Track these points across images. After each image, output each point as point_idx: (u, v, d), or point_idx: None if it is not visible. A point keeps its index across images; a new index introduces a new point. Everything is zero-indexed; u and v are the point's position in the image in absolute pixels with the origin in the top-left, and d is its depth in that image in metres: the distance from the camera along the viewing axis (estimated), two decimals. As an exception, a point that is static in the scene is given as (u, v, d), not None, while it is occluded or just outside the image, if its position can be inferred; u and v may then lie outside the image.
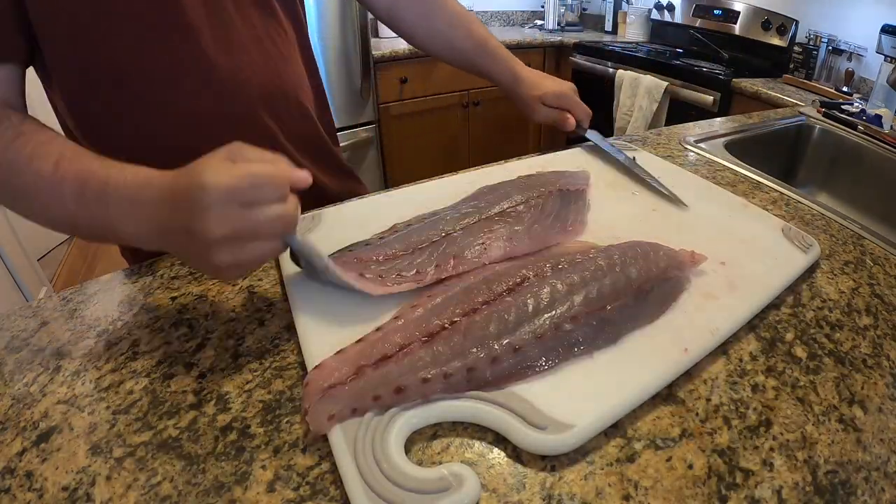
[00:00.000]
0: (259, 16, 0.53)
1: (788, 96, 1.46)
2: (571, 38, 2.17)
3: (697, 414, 0.32)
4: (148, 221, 0.34)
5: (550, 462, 0.28)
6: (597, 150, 0.64)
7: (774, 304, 0.41)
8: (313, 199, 0.51)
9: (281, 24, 0.56)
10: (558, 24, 2.38)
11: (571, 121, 0.66)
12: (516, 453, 0.29)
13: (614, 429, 0.30)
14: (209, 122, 0.50)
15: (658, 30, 2.25)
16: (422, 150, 2.08)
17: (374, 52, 1.77)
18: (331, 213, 0.50)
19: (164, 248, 0.36)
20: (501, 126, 2.21)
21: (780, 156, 0.98)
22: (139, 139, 0.49)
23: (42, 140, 0.39)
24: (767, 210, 0.54)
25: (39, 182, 0.37)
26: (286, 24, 0.57)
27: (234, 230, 0.31)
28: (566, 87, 0.67)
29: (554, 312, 0.34)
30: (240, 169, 0.31)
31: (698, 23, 2.01)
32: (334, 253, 0.41)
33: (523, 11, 2.65)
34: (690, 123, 0.87)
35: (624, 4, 2.38)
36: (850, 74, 1.63)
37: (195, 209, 0.31)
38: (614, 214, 0.51)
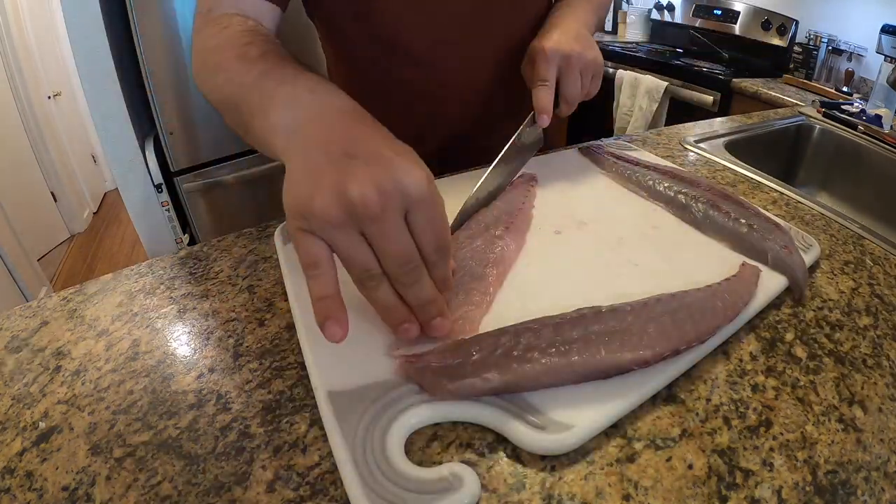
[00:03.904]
0: None
1: (788, 96, 1.46)
2: (571, 38, 2.17)
3: (697, 414, 0.32)
4: (296, 124, 0.32)
5: (550, 462, 0.28)
6: (594, 153, 0.64)
7: (774, 304, 0.41)
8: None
9: None
10: (558, 25, 2.38)
11: (542, 103, 0.51)
12: (516, 453, 0.29)
13: (614, 429, 0.30)
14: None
15: (658, 30, 2.25)
16: (422, 150, 2.07)
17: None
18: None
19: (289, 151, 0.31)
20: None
21: (780, 156, 0.98)
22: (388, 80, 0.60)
23: (261, 40, 0.40)
24: (767, 210, 0.54)
25: (230, 72, 0.38)
26: None
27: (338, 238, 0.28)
28: (578, 55, 0.52)
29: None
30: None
31: (698, 23, 2.01)
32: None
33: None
34: (690, 123, 0.87)
35: (624, 4, 2.38)
36: (850, 74, 1.63)
37: (326, 173, 0.28)
38: (614, 213, 0.51)
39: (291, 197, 0.28)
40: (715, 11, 1.94)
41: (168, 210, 1.51)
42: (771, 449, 0.30)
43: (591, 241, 0.46)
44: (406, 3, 0.55)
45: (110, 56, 1.31)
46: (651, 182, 0.55)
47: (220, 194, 1.58)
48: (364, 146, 0.29)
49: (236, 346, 0.37)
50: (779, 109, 1.09)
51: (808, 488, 0.28)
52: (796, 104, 1.24)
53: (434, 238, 0.30)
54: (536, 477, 0.28)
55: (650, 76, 1.76)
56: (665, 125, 1.51)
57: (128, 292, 0.43)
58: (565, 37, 0.53)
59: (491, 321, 0.34)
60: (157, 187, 1.47)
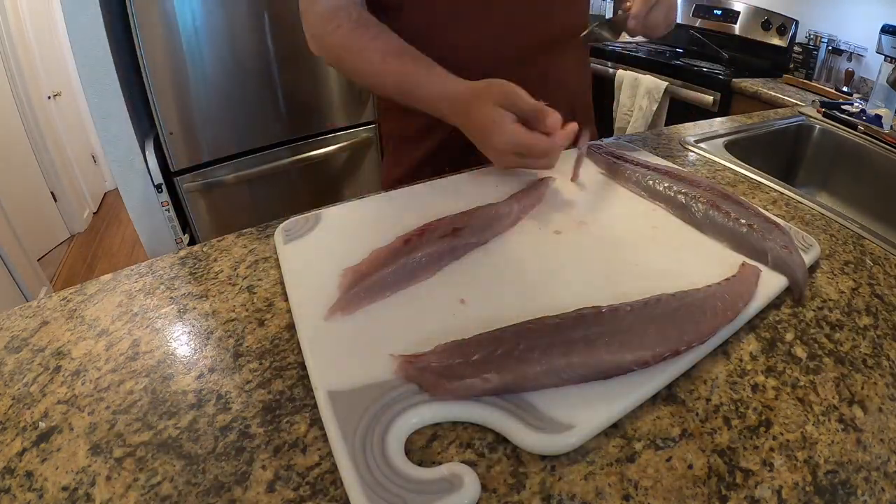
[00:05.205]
0: None
1: (788, 96, 1.46)
2: (571, 38, 2.17)
3: (697, 414, 0.32)
4: (448, 116, 0.54)
5: (550, 462, 0.28)
6: (594, 153, 0.64)
7: (774, 304, 0.41)
8: None
9: None
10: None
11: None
12: (516, 453, 0.29)
13: (614, 429, 0.30)
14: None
15: (658, 30, 2.24)
16: (422, 150, 2.08)
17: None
18: (330, 213, 0.50)
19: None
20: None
21: (780, 156, 0.98)
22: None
23: (373, 34, 0.56)
24: (767, 210, 0.54)
25: (368, 69, 0.56)
26: None
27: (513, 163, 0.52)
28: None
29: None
30: (518, 140, 0.48)
31: (698, 23, 2.01)
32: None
33: (523, 11, 2.64)
34: (690, 123, 0.87)
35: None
36: (850, 74, 1.63)
37: (486, 144, 0.51)
38: (614, 213, 0.51)
39: (484, 148, 0.53)
40: (715, 11, 1.94)
41: (168, 210, 1.51)
42: (771, 449, 0.30)
43: (591, 241, 0.46)
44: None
45: (110, 56, 1.31)
46: (651, 182, 0.55)
47: (220, 194, 1.58)
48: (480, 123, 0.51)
49: (236, 346, 0.37)
50: (779, 109, 1.09)
51: (808, 488, 0.28)
52: (796, 104, 1.24)
53: (527, 107, 0.48)
54: (536, 477, 0.28)
55: (650, 76, 1.76)
56: (665, 125, 1.51)
57: (128, 292, 0.43)
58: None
59: (491, 321, 0.34)
60: (157, 187, 1.47)
